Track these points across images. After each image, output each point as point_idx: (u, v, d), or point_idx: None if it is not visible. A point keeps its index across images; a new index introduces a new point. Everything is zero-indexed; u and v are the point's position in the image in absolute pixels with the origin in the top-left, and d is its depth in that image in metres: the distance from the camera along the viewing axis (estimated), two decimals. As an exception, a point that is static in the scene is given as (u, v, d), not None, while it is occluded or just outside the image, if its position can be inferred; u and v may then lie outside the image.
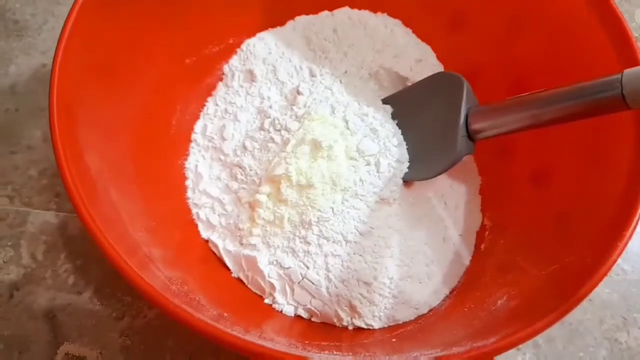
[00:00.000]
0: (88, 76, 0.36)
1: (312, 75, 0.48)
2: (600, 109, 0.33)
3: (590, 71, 0.36)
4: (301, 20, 0.50)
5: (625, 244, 0.31)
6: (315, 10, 0.50)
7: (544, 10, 0.41)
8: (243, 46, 0.49)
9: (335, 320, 0.40)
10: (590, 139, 0.38)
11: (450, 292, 0.43)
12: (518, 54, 0.44)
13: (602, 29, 0.37)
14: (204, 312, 0.32)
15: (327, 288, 0.40)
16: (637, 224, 0.31)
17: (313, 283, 0.40)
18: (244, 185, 0.43)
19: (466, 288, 0.42)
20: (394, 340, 0.38)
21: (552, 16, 0.41)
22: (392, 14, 0.50)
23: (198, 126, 0.47)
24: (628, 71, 0.31)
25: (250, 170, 0.44)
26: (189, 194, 0.45)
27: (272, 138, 0.44)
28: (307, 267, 0.40)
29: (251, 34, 0.50)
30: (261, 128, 0.45)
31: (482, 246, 0.45)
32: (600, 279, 0.30)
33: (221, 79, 0.49)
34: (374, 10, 0.50)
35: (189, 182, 0.45)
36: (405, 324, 0.41)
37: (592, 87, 0.33)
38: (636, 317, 0.47)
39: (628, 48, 0.36)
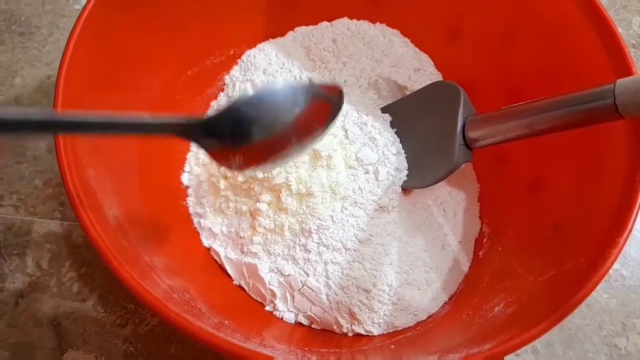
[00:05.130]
0: (91, 88, 0.37)
1: (312, 85, 0.48)
2: (594, 118, 0.33)
3: (585, 80, 0.37)
4: (301, 31, 0.51)
5: (620, 251, 0.31)
6: (314, 21, 0.51)
7: (539, 21, 0.42)
8: (244, 57, 0.50)
9: (335, 327, 0.41)
10: (586, 147, 0.38)
11: (449, 299, 0.43)
12: (514, 64, 0.45)
13: (597, 39, 0.38)
14: (204, 320, 0.32)
15: (327, 295, 0.41)
16: (631, 231, 0.32)
17: (313, 290, 0.40)
18: (245, 194, 0.44)
19: (465, 294, 0.43)
20: (392, 346, 0.38)
21: (547, 27, 0.41)
22: (391, 24, 0.51)
23: (200, 136, 0.48)
24: (621, 81, 0.32)
25: (251, 179, 0.44)
26: (191, 202, 0.45)
27: (272, 147, 0.44)
28: (307, 275, 0.41)
29: (252, 44, 0.50)
30: (261, 137, 0.45)
31: (481, 253, 0.45)
32: (595, 286, 0.31)
33: (222, 90, 0.50)
34: (373, 20, 0.51)
35: (190, 191, 0.46)
36: (404, 330, 0.41)
37: (585, 96, 0.33)
38: (635, 322, 0.47)
39: (621, 58, 0.36)
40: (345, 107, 0.47)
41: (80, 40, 0.36)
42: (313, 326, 0.42)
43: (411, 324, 0.41)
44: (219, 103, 0.49)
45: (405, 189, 0.45)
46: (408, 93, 0.49)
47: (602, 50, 0.37)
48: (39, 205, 0.49)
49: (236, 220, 0.43)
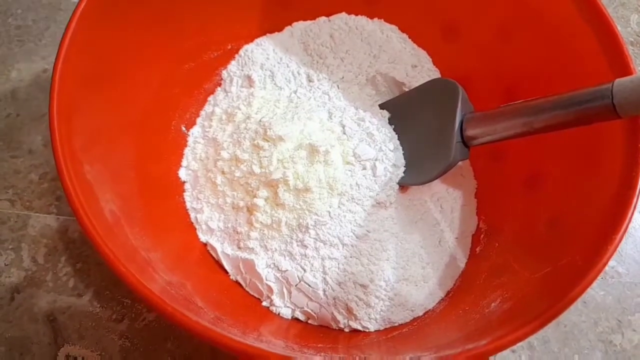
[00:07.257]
0: (88, 82, 0.37)
1: (310, 80, 0.48)
2: (591, 118, 0.33)
3: (582, 78, 0.37)
4: (299, 26, 0.51)
5: (616, 247, 0.32)
6: (312, 16, 0.51)
7: (537, 18, 0.42)
8: (241, 52, 0.50)
9: (332, 322, 0.41)
10: (582, 144, 0.39)
11: (446, 295, 0.43)
12: (512, 61, 0.45)
13: (594, 37, 0.38)
14: (201, 315, 0.32)
15: (324, 291, 0.41)
16: (627, 228, 0.32)
17: (310, 286, 0.40)
18: (242, 189, 0.44)
19: (461, 290, 0.43)
20: (389, 342, 0.38)
21: (545, 24, 0.41)
22: (388, 20, 0.50)
23: (196, 131, 0.48)
24: (619, 81, 0.32)
25: (248, 174, 0.44)
26: (188, 198, 0.45)
27: (269, 143, 0.44)
28: (304, 270, 0.41)
29: (249, 39, 0.50)
30: (259, 133, 0.45)
31: (478, 249, 0.45)
32: (591, 282, 0.31)
33: (219, 84, 0.50)
34: (371, 16, 0.50)
35: (187, 186, 0.46)
36: (400, 326, 0.41)
37: (583, 95, 0.33)
38: (630, 319, 0.47)
39: (619, 56, 0.36)
40: (343, 102, 0.47)
41: (76, 34, 0.35)
42: (310, 322, 0.42)
43: (408, 320, 0.41)
44: (216, 98, 0.49)
45: (403, 185, 0.45)
46: (406, 89, 0.49)
47: (600, 47, 0.37)
48: (35, 199, 0.49)
49: (233, 215, 0.43)
